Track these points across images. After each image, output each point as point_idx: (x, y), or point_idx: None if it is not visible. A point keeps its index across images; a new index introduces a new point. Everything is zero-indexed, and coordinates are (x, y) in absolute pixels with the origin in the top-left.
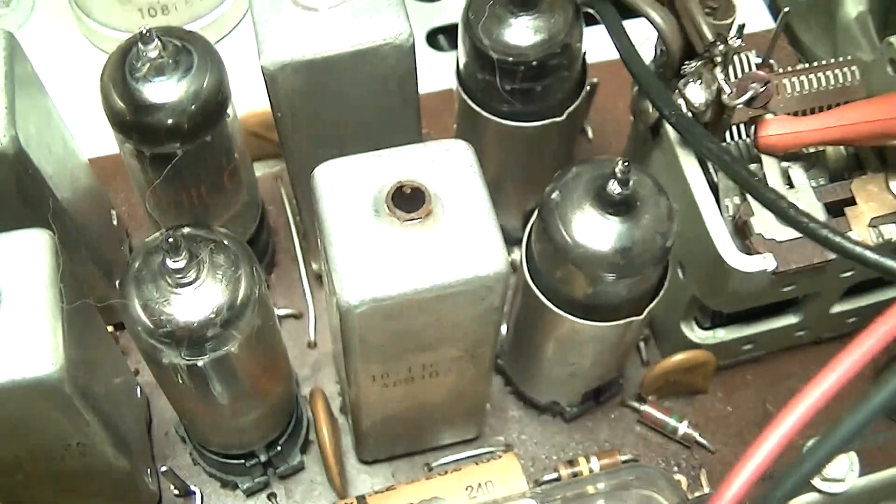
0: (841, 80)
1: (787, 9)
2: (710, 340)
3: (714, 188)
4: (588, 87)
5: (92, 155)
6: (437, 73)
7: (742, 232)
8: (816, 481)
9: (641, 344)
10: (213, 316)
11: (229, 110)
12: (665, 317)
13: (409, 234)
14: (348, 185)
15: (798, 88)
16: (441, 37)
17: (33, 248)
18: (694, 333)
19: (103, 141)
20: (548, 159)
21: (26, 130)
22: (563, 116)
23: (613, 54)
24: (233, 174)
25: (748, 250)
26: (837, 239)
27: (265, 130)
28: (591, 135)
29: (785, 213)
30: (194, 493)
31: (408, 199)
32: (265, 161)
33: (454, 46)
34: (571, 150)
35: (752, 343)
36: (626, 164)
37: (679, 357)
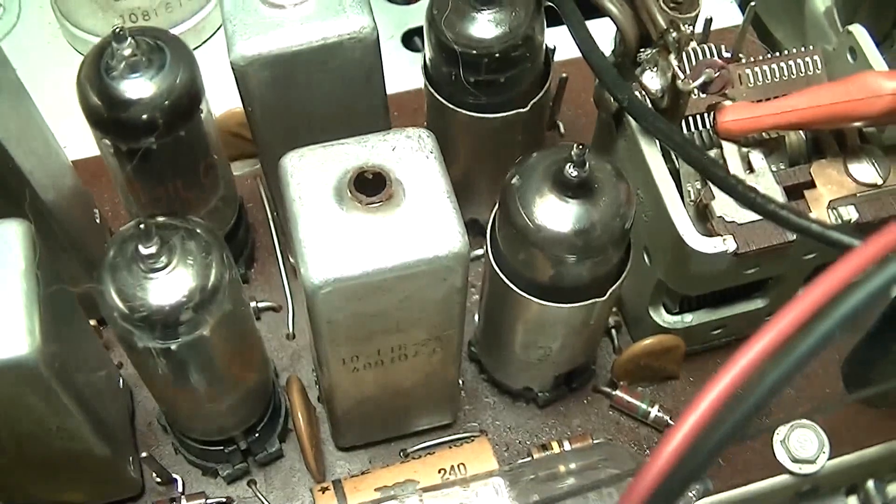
0: (804, 70)
1: (753, 3)
2: (678, 325)
3: (676, 174)
4: (559, 80)
5: (77, 157)
6: (412, 72)
7: (703, 216)
8: (788, 463)
9: (613, 331)
10: (184, 300)
11: (203, 106)
12: (634, 303)
13: (371, 217)
14: (313, 172)
15: (761, 78)
16: (416, 38)
17: (9, 236)
18: (662, 318)
19: (88, 143)
20: (516, 151)
21: (6, 128)
22: (528, 108)
23: None
24: (208, 169)
25: (710, 233)
26: (781, 212)
27: (244, 130)
28: (563, 129)
29: (733, 188)
30: (176, 480)
31: (370, 184)
32: (245, 161)
33: None
34: (540, 142)
35: (721, 328)
36: (582, 147)
37: (648, 341)
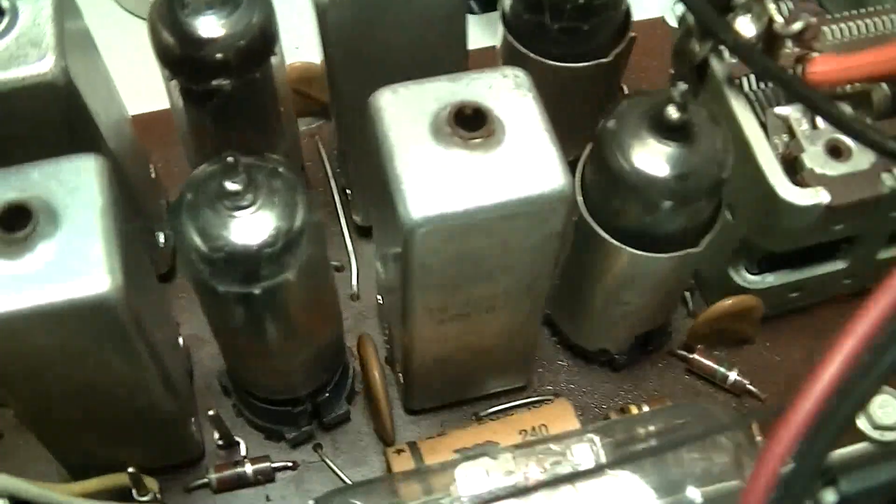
0: (891, 27)
1: None
2: (758, 286)
3: (763, 127)
4: (627, 40)
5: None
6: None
7: (792, 168)
8: (868, 429)
9: (687, 294)
10: (270, 240)
11: (277, 49)
12: (712, 263)
13: (471, 155)
14: (408, 108)
15: (847, 33)
16: (472, 2)
17: (88, 171)
18: (742, 278)
19: (140, 99)
20: (592, 105)
21: (78, 75)
22: (610, 57)
23: (648, 14)
24: (278, 118)
25: (799, 186)
26: None
27: (305, 86)
28: (627, 92)
29: (850, 126)
30: (238, 443)
31: (469, 121)
32: (304, 119)
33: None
34: (614, 98)
35: (799, 291)
36: (685, 88)
37: (728, 302)
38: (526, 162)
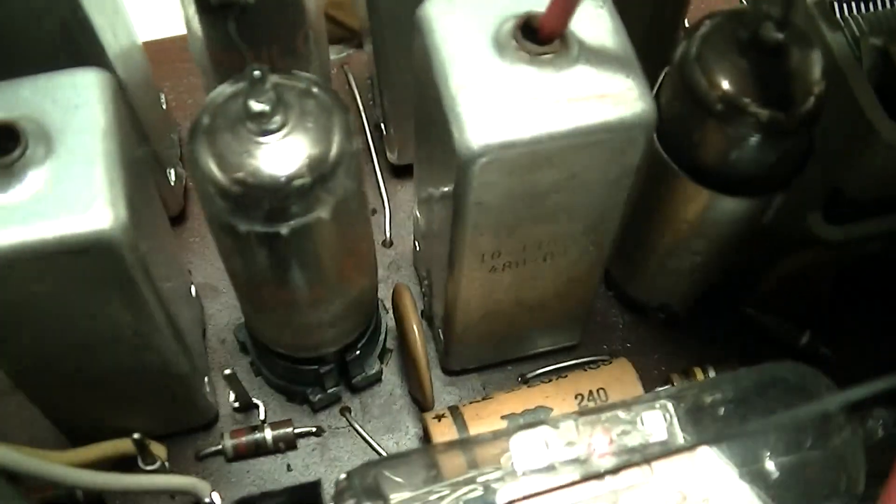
0: None
1: None
2: (837, 237)
3: (857, 59)
4: None
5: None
6: None
7: (890, 104)
8: None
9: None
10: (302, 171)
11: None
12: (789, 211)
13: (540, 73)
14: (464, 20)
15: None
16: None
17: (88, 86)
18: (822, 229)
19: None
20: (654, 32)
21: None
22: None
23: None
24: (306, 41)
25: None
26: None
27: (334, 10)
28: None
29: None
30: (257, 406)
31: (537, 33)
32: (333, 47)
33: None
34: (677, 28)
35: (882, 242)
36: (787, 2)
37: (805, 254)
38: (603, 83)
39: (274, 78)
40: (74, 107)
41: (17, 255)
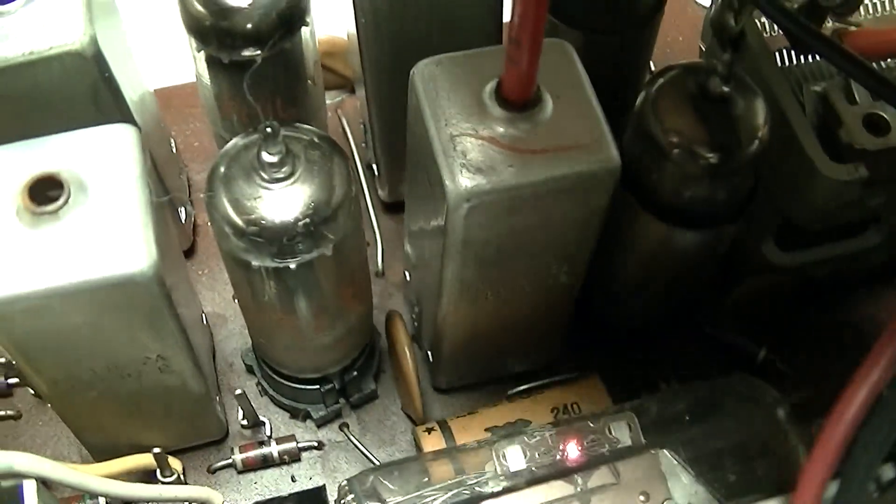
0: None
1: None
2: (790, 262)
3: (799, 103)
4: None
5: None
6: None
7: (829, 143)
8: None
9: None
10: (308, 213)
11: (308, 19)
12: (744, 240)
13: (517, 127)
14: (451, 81)
15: (887, 7)
16: None
17: (120, 141)
18: (774, 255)
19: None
20: (620, 80)
21: (103, 35)
22: (646, 26)
23: None
24: (306, 91)
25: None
26: None
27: (329, 60)
28: (654, 69)
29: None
30: (264, 423)
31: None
32: (326, 92)
33: None
34: (644, 73)
35: (831, 267)
36: (729, 58)
37: (759, 279)
38: (573, 135)
39: (283, 131)
40: (109, 158)
41: (63, 293)
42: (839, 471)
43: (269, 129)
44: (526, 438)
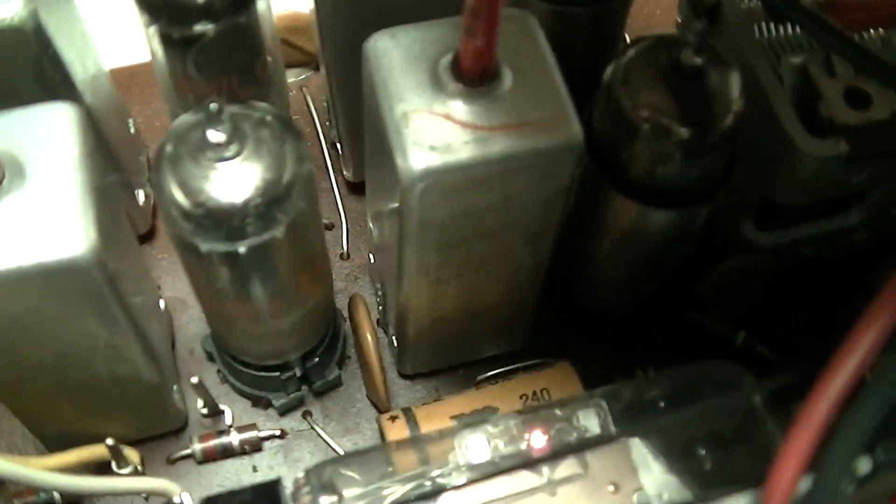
0: None
1: None
2: (768, 242)
3: (777, 76)
4: None
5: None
6: None
7: (808, 118)
8: None
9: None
10: (256, 194)
11: None
12: (721, 219)
13: (474, 102)
14: (405, 54)
15: None
16: None
17: (59, 121)
18: (752, 235)
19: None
20: (593, 54)
21: (47, 10)
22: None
23: None
24: (264, 68)
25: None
26: None
27: (292, 35)
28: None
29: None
30: (223, 411)
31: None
32: (291, 70)
33: None
34: (616, 48)
35: (811, 246)
36: (703, 28)
37: (739, 260)
38: (533, 111)
39: (230, 109)
40: (47, 139)
41: None
42: (813, 464)
43: (213, 106)
44: (489, 427)
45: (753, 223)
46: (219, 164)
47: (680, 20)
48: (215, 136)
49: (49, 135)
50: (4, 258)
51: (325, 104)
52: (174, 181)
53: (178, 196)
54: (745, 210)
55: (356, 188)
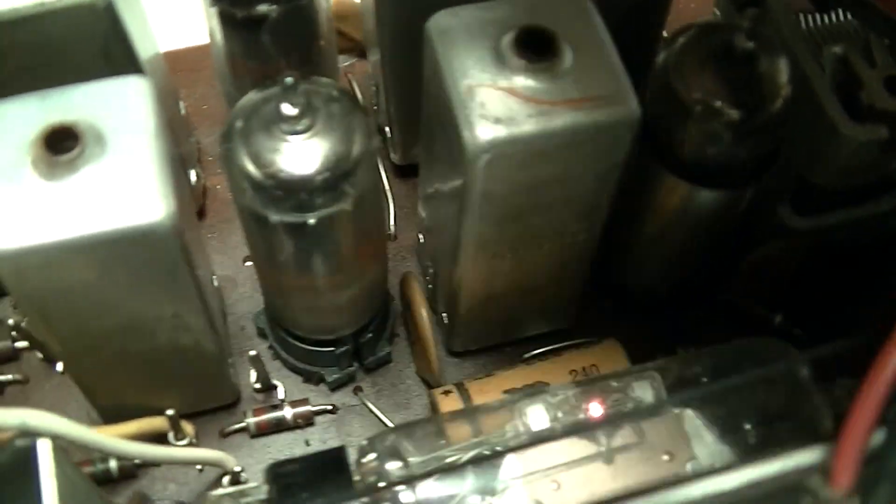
0: None
1: None
2: (806, 226)
3: (819, 65)
4: None
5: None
6: None
7: (850, 105)
8: None
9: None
10: (326, 167)
11: None
12: (761, 204)
13: (537, 78)
14: (468, 33)
15: None
16: None
17: (136, 93)
18: (791, 219)
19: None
20: (639, 39)
21: None
22: None
23: None
24: (319, 51)
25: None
26: None
27: (340, 22)
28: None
29: None
30: (276, 386)
31: (534, 45)
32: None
33: None
34: (658, 38)
35: (849, 231)
36: (756, 13)
37: (775, 243)
38: (595, 87)
39: (303, 84)
40: (125, 111)
41: (78, 245)
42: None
43: (289, 80)
44: (548, 398)
45: (791, 208)
46: (291, 137)
47: (718, 12)
48: (289, 109)
49: (126, 106)
50: (86, 225)
51: (372, 89)
52: (246, 154)
53: (251, 168)
54: (783, 194)
55: (403, 171)
